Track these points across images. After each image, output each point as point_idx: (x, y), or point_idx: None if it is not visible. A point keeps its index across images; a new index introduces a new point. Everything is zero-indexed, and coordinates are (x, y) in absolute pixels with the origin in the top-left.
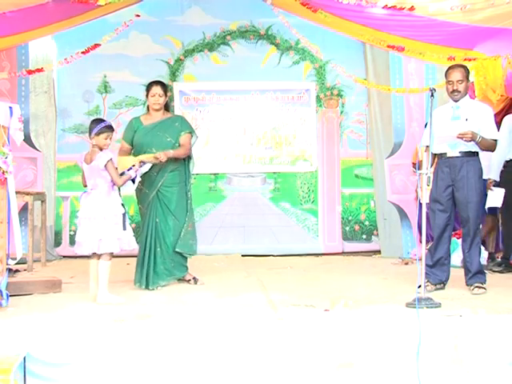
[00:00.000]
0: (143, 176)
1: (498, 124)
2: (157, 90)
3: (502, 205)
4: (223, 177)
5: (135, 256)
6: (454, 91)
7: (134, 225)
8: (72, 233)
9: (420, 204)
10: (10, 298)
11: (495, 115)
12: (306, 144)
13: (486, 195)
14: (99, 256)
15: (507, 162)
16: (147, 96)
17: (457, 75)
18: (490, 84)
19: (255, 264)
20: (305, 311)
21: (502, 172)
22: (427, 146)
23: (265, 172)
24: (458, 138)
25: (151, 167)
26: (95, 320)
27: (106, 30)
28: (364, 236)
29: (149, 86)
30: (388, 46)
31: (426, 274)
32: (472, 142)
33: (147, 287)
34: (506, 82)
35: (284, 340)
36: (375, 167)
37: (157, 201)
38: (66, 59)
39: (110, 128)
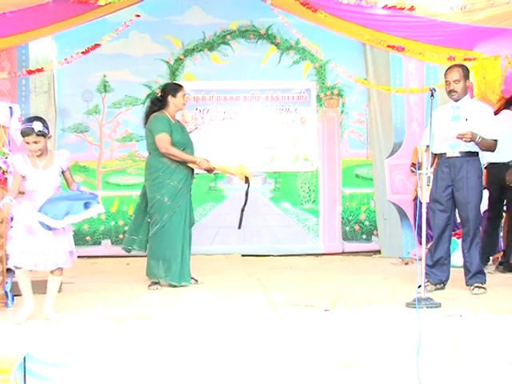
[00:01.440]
0: (178, 172)
1: None
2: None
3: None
4: (223, 176)
5: (135, 256)
6: (450, 91)
7: None
8: (72, 233)
9: (418, 204)
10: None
11: None
12: (306, 143)
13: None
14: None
15: (490, 164)
16: (174, 96)
17: (453, 75)
18: (489, 84)
19: (255, 264)
20: (305, 311)
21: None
22: (427, 146)
23: (265, 171)
24: (458, 138)
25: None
26: (95, 320)
27: (106, 30)
28: (364, 236)
29: (178, 87)
30: (388, 46)
31: (426, 273)
32: (472, 142)
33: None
34: (505, 83)
35: (284, 340)
36: (375, 167)
37: (190, 199)
38: (66, 59)
39: (32, 131)
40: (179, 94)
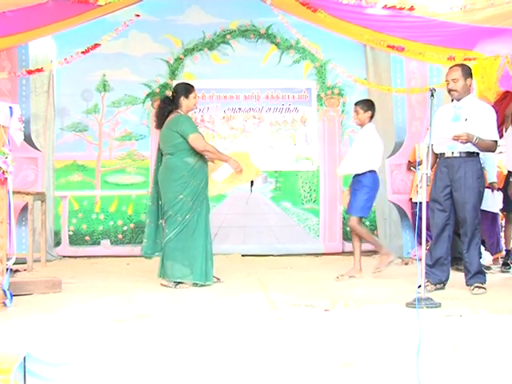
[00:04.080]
0: (201, 171)
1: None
2: None
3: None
4: None
5: (135, 256)
6: (450, 90)
7: (132, 224)
8: (71, 233)
9: (414, 204)
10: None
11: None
12: (307, 143)
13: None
14: None
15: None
16: (187, 97)
17: (452, 74)
18: (487, 83)
19: (255, 264)
20: (305, 311)
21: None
22: (428, 147)
23: (266, 171)
24: (454, 139)
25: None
26: (95, 320)
27: (106, 30)
28: None
29: (190, 88)
30: (388, 47)
31: (426, 273)
32: (470, 143)
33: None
34: (500, 81)
35: (284, 340)
36: None
37: (207, 197)
38: (65, 59)
39: None
40: (191, 95)
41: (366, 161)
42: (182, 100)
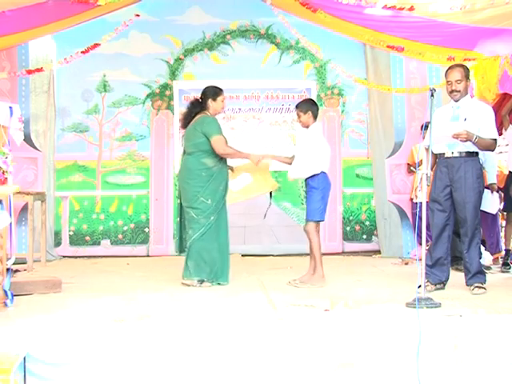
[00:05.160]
0: (221, 175)
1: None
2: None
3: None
4: None
5: (135, 256)
6: (452, 91)
7: (132, 224)
8: (71, 233)
9: (415, 204)
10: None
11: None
12: None
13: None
14: None
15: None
16: (215, 99)
17: (455, 75)
18: (487, 84)
19: (255, 264)
20: (305, 311)
21: None
22: (426, 148)
23: None
24: (454, 138)
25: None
26: (95, 320)
27: (106, 30)
28: (364, 236)
29: (218, 91)
30: (387, 47)
31: (426, 273)
32: (469, 142)
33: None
34: (500, 80)
35: (284, 340)
36: (375, 167)
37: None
38: (65, 59)
39: None
40: (219, 98)
41: (312, 164)
42: (210, 102)
